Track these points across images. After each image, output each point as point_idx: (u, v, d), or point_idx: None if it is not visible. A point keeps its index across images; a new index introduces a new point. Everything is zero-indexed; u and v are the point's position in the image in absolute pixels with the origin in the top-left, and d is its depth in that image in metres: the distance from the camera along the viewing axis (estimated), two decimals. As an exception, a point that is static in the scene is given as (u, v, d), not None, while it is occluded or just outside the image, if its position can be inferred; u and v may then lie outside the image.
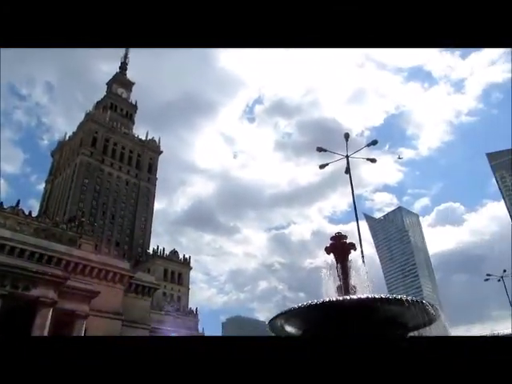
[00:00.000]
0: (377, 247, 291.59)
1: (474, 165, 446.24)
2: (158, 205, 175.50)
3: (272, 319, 9.68)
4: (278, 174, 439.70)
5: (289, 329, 9.85)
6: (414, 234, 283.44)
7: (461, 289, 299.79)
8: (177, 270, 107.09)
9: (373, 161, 24.99)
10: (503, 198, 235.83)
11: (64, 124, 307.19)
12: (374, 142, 25.02)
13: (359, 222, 22.29)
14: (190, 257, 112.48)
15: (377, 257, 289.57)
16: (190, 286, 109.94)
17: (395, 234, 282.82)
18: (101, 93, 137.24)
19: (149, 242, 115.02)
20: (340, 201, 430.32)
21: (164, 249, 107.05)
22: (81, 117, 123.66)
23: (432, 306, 8.81)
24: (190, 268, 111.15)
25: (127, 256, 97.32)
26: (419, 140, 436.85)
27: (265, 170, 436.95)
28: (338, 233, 10.95)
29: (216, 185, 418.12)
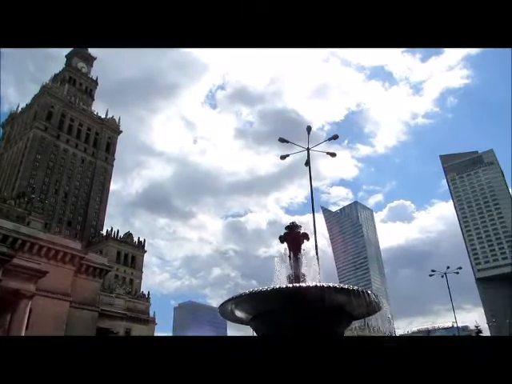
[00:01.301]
0: (331, 239, 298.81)
1: (427, 165, 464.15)
2: (113, 186, 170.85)
3: (223, 304, 9.79)
4: (237, 162, 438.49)
5: (239, 314, 10.00)
6: (368, 228, 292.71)
7: (407, 283, 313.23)
8: (130, 252, 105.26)
9: (333, 155, 25.50)
10: (452, 199, 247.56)
11: (14, 95, 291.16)
12: (335, 137, 25.49)
13: (315, 214, 22.73)
14: (144, 240, 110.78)
15: (330, 249, 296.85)
16: (144, 270, 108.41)
17: (350, 227, 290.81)
18: (57, 65, 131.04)
19: (102, 223, 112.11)
20: (297, 192, 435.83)
21: (118, 231, 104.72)
22: (33, 88, 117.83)
23: (376, 296, 9.16)
24: (144, 251, 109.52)
25: (79, 236, 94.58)
26: (376, 138, 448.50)
27: (224, 157, 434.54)
28: (293, 223, 11.15)
29: (173, 169, 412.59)
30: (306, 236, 10.96)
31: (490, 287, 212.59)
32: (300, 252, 10.66)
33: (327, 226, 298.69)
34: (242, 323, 10.77)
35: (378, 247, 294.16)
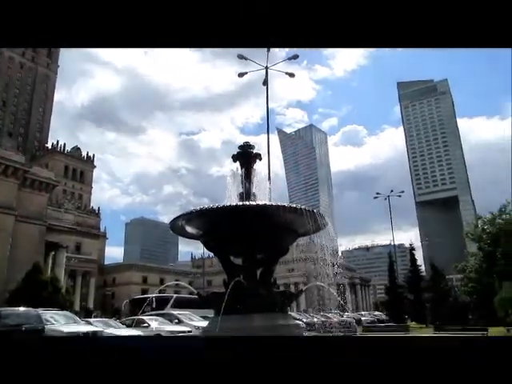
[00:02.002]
0: (285, 161, 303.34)
1: (383, 91, 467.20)
2: (58, 96, 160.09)
3: (173, 220, 9.98)
4: (191, 76, 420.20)
5: (189, 229, 10.28)
6: (321, 151, 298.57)
7: (352, 204, 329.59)
8: (79, 167, 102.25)
9: (291, 75, 25.08)
10: (403, 126, 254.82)
11: None
12: (295, 57, 24.92)
13: (270, 135, 22.86)
14: (93, 155, 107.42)
15: (283, 170, 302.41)
16: (93, 185, 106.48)
17: (303, 149, 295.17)
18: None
19: (47, 135, 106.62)
20: (253, 112, 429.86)
21: (65, 144, 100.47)
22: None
23: (321, 215, 9.65)
24: (94, 167, 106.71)
25: (22, 149, 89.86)
26: (335, 60, 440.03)
27: (178, 70, 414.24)
28: (246, 142, 11.18)
29: (122, 81, 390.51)
30: (258, 156, 11.07)
31: (427, 210, 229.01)
32: (252, 171, 10.82)
33: (281, 148, 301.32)
34: (192, 238, 11.11)
35: (329, 170, 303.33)
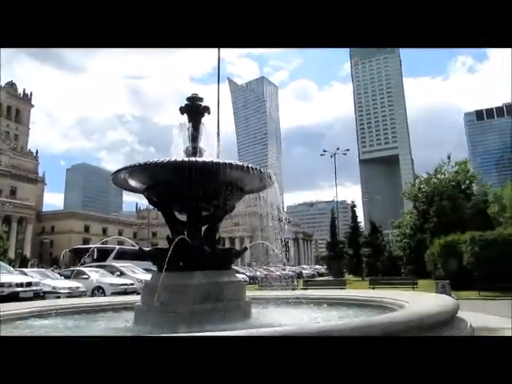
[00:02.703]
0: (235, 113, 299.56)
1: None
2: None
3: (115, 172, 9.53)
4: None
5: (132, 183, 9.90)
6: (271, 105, 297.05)
7: (299, 160, 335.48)
8: (14, 105, 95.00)
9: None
10: (352, 83, 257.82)
11: None
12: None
13: (221, 84, 22.14)
14: (31, 92, 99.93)
15: (233, 122, 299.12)
16: (30, 126, 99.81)
17: (254, 102, 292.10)
18: None
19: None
20: (203, 59, 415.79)
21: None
22: None
23: (268, 173, 9.56)
24: (31, 105, 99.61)
25: None
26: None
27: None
28: (195, 94, 10.69)
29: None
30: (207, 109, 10.67)
31: (370, 168, 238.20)
32: (200, 125, 10.45)
33: (232, 99, 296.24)
34: (135, 192, 10.75)
35: (279, 124, 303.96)
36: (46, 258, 77.61)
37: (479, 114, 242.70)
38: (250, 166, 9.03)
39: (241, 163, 9.19)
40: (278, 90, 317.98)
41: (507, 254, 18.51)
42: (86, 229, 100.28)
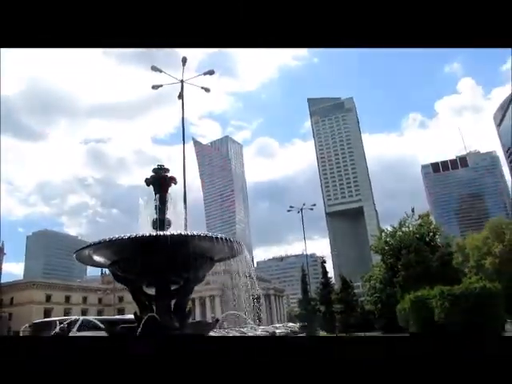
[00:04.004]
0: (200, 172, 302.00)
1: (292, 106, 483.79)
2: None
3: (79, 250, 9.27)
4: (98, 82, 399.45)
5: (97, 259, 9.60)
6: (237, 162, 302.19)
7: (266, 215, 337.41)
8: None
9: (207, 90, 24.94)
10: (314, 140, 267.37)
11: None
12: (211, 72, 24.79)
13: (186, 145, 22.49)
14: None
15: (199, 181, 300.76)
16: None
17: (219, 161, 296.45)
18: None
19: None
20: (165, 121, 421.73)
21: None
22: None
23: (238, 242, 9.53)
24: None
25: None
26: (246, 73, 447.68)
27: (83, 74, 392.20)
28: (161, 165, 10.77)
29: (20, 83, 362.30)
30: (173, 180, 10.73)
31: (337, 220, 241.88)
32: (166, 196, 10.43)
33: (197, 159, 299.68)
34: (100, 267, 10.44)
35: (245, 181, 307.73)
36: (4, 334, 72.26)
37: (435, 167, 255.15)
38: (218, 236, 8.98)
39: (209, 234, 9.15)
40: (243, 148, 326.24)
41: (476, 307, 18.80)
42: (48, 298, 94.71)
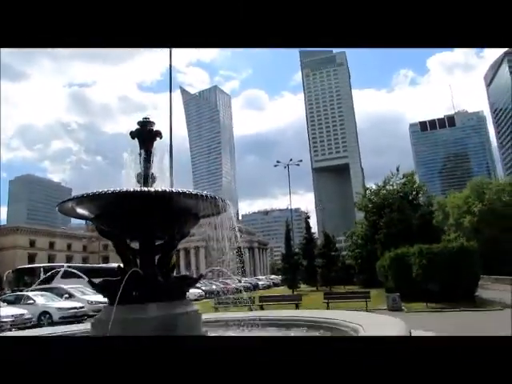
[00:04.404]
0: (187, 123, 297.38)
1: (282, 57, 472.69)
2: None
3: (61, 202, 9.13)
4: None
5: (80, 211, 9.49)
6: (225, 114, 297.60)
7: (252, 168, 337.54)
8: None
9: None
10: (304, 94, 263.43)
11: None
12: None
13: (173, 94, 21.88)
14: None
15: (186, 132, 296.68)
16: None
17: (207, 112, 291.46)
18: None
19: None
20: (151, 67, 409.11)
21: None
22: None
23: (223, 200, 9.49)
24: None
25: None
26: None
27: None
28: (146, 118, 10.47)
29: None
30: (159, 134, 10.46)
31: (323, 176, 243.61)
32: (152, 151, 10.21)
33: (185, 109, 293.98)
34: (84, 219, 10.35)
35: (232, 133, 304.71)
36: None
37: (423, 125, 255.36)
38: (204, 193, 8.91)
39: (195, 191, 9.05)
40: (231, 99, 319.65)
41: (453, 265, 19.47)
42: (32, 244, 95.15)
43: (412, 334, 7.10)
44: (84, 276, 13.29)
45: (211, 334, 9.81)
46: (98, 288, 9.54)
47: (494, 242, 39.53)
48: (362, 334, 7.73)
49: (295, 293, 34.06)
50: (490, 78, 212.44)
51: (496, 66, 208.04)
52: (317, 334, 9.39)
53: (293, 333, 9.67)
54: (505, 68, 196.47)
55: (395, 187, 42.92)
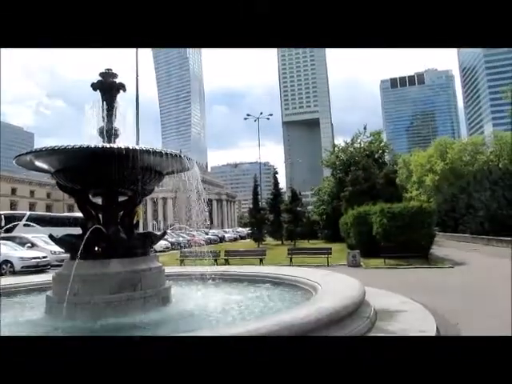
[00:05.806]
0: (156, 69, 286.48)
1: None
2: None
3: (19, 155, 8.78)
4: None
5: (40, 165, 9.21)
6: (194, 62, 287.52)
7: (222, 120, 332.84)
8: None
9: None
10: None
11: None
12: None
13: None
14: None
15: (155, 79, 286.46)
16: None
17: (176, 59, 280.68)
18: None
19: None
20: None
21: None
22: None
23: (188, 158, 9.38)
24: None
25: None
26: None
27: None
28: (109, 69, 10.01)
29: None
30: (122, 87, 10.06)
31: (292, 130, 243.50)
32: (115, 104, 9.86)
33: (153, 55, 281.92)
34: (45, 173, 10.06)
35: (202, 83, 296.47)
36: None
37: (393, 82, 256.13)
38: (167, 151, 8.76)
39: (159, 149, 8.88)
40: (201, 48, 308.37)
41: (411, 225, 20.36)
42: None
43: (375, 308, 7.40)
44: (43, 229, 13.03)
45: (177, 288, 10.01)
46: (59, 243, 9.45)
47: (452, 200, 41.26)
48: (319, 290, 8.11)
49: (260, 246, 34.85)
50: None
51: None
52: (283, 289, 9.77)
53: (255, 291, 9.98)
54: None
55: (362, 145, 43.56)
